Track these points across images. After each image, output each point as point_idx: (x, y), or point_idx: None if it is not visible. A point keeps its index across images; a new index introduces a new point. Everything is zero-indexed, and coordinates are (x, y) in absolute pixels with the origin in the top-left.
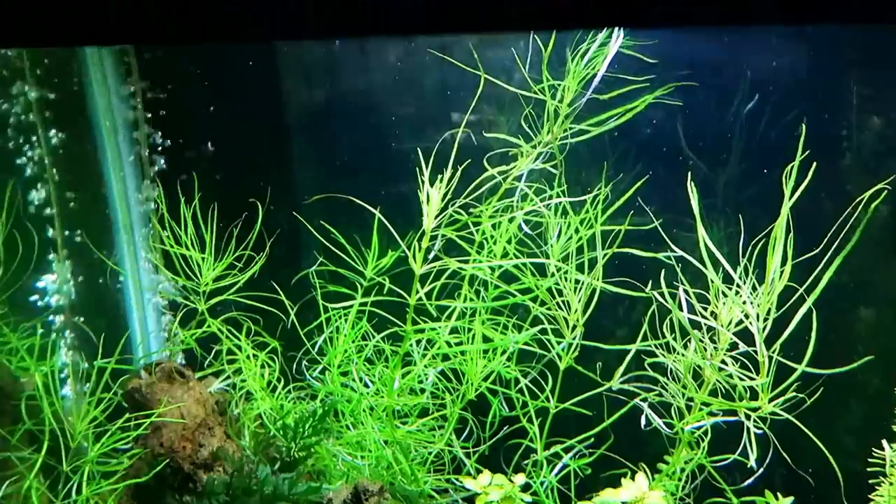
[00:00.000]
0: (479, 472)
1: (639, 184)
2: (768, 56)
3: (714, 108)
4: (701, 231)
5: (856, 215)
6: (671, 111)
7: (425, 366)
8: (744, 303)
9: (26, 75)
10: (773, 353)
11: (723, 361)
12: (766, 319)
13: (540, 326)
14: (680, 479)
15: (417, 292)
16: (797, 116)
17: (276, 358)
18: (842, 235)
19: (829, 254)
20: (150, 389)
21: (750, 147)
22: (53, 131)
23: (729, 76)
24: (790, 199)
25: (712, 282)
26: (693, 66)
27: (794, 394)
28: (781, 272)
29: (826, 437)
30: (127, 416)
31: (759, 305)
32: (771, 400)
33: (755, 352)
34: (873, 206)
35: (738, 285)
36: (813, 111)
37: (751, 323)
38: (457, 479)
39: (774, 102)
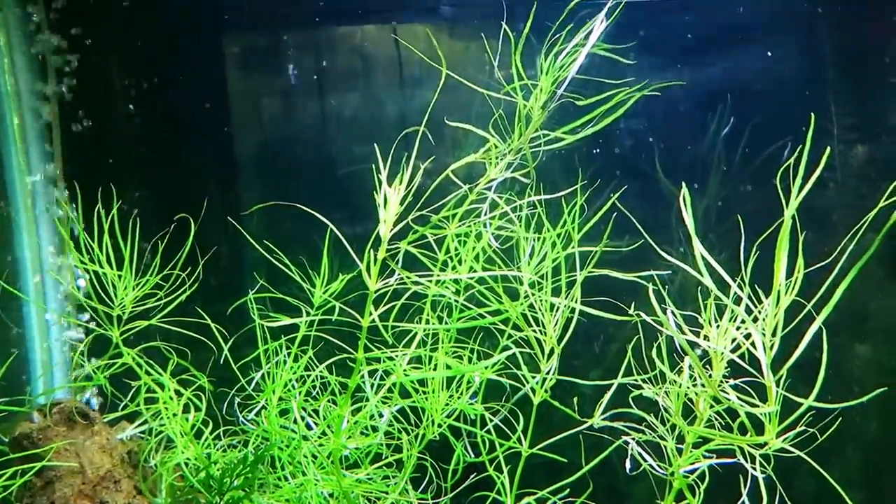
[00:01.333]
0: None
1: (614, 198)
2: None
3: (696, 118)
4: (697, 244)
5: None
6: (653, 121)
7: (380, 401)
8: (749, 319)
9: None
10: (780, 378)
11: (715, 395)
12: (773, 338)
13: (511, 351)
14: None
15: (371, 314)
16: (786, 123)
17: (203, 398)
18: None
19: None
20: (42, 435)
21: (734, 159)
22: None
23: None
24: (796, 198)
25: (705, 303)
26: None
27: (804, 428)
28: (788, 286)
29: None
30: (12, 468)
31: (764, 322)
32: (779, 434)
33: (753, 380)
34: None
35: (734, 304)
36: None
37: (752, 345)
38: None
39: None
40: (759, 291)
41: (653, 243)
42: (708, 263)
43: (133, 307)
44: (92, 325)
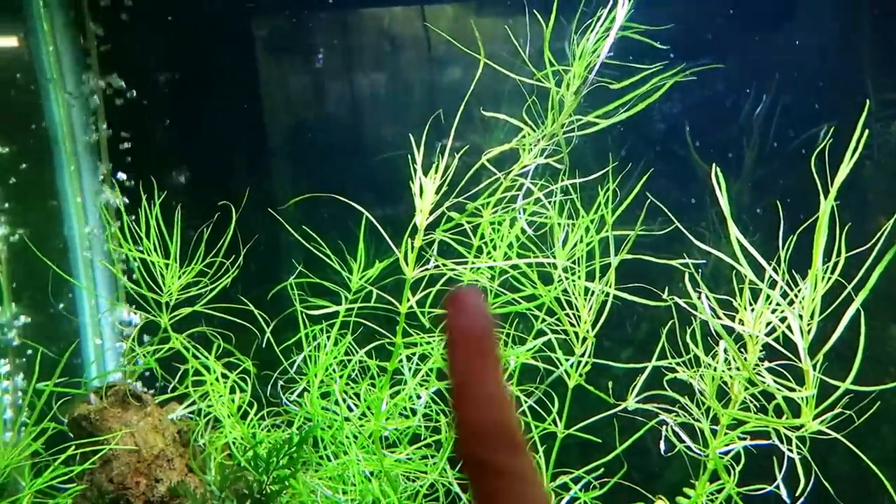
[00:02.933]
0: None
1: (643, 179)
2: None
3: (731, 100)
4: (732, 227)
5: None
6: (688, 104)
7: (418, 384)
8: (785, 302)
9: None
10: (817, 362)
11: (751, 378)
12: (810, 321)
13: (546, 337)
14: None
15: (409, 300)
16: (821, 102)
17: (248, 380)
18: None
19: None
20: (99, 416)
21: (769, 143)
22: None
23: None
24: (836, 180)
25: (740, 286)
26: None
27: (841, 410)
28: (826, 268)
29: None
30: (72, 446)
31: (802, 305)
32: (816, 417)
33: (787, 365)
34: None
35: (769, 287)
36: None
37: (789, 327)
38: None
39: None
40: (795, 274)
41: (682, 228)
42: (742, 246)
43: (179, 293)
44: (141, 312)
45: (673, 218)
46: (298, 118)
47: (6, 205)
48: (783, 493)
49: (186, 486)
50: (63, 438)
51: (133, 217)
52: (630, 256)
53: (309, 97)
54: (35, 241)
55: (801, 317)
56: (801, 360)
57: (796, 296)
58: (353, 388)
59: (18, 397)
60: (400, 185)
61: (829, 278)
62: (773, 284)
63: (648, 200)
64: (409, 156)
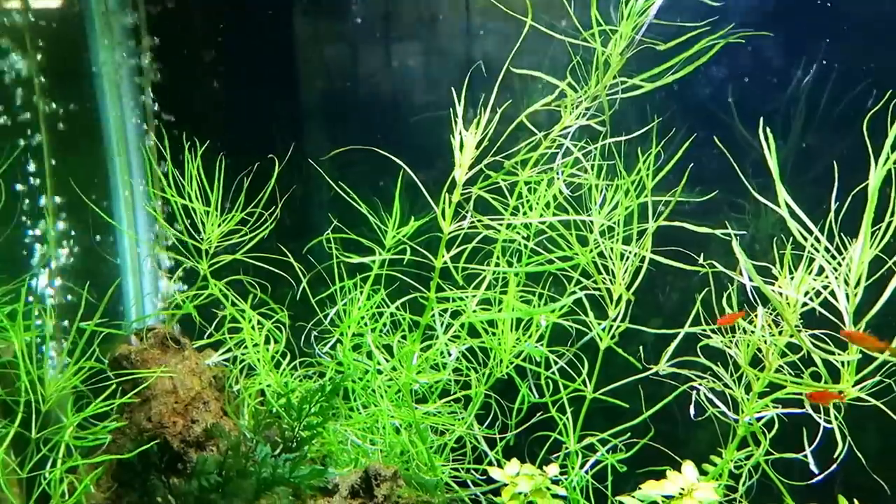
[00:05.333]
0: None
1: (685, 146)
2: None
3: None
4: (780, 190)
5: None
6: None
7: (449, 339)
8: (830, 268)
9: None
10: (859, 328)
11: (790, 343)
12: (856, 288)
13: (577, 295)
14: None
15: (444, 256)
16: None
17: (282, 330)
18: None
19: None
20: (140, 357)
21: (817, 111)
22: (46, 80)
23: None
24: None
25: (781, 252)
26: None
27: (881, 378)
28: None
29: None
30: (112, 385)
31: (849, 269)
32: (857, 383)
33: (824, 336)
34: None
35: (811, 254)
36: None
37: (832, 294)
38: (479, 470)
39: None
40: (840, 244)
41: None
42: (783, 214)
43: (218, 242)
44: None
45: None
46: (337, 76)
47: (53, 158)
48: (811, 463)
49: (221, 428)
50: (104, 380)
51: (175, 168)
52: (667, 223)
53: (346, 59)
54: (79, 185)
55: (846, 282)
56: (844, 326)
57: (839, 264)
58: (385, 340)
59: (62, 337)
60: (435, 145)
61: (880, 243)
62: (817, 245)
63: (689, 167)
64: (446, 116)
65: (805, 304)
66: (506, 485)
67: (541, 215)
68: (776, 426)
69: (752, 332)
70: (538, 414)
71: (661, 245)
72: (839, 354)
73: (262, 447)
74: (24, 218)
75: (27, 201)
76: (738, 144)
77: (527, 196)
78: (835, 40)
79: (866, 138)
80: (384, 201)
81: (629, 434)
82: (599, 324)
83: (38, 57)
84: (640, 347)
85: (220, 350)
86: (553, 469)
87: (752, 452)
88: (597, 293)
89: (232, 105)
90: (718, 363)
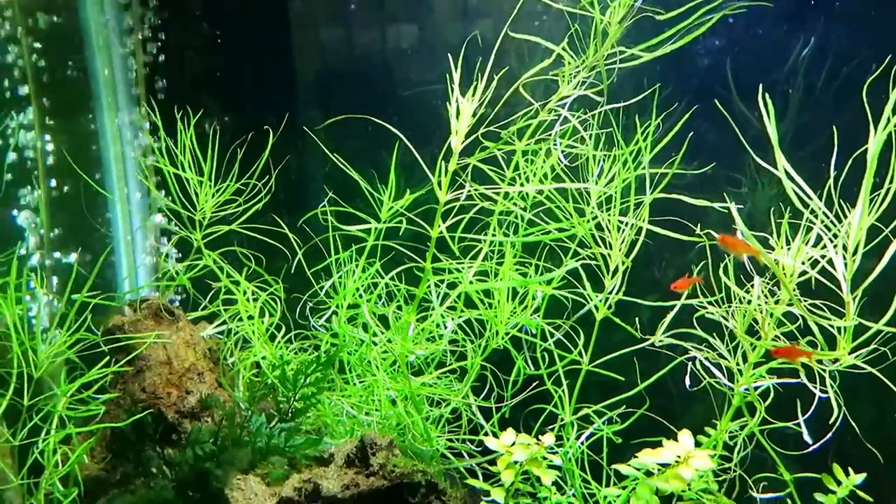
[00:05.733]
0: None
1: (683, 119)
2: None
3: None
4: (779, 157)
5: None
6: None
7: (445, 311)
8: (828, 236)
9: None
10: (856, 297)
11: (782, 316)
12: (854, 255)
13: (574, 264)
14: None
15: (440, 226)
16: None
17: (277, 302)
18: None
19: None
20: (133, 328)
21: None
22: (38, 43)
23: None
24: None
25: (779, 221)
26: None
27: (876, 346)
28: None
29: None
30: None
31: (847, 235)
32: (853, 351)
33: (821, 304)
34: None
35: (809, 225)
36: None
37: (830, 263)
38: (475, 441)
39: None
40: (836, 210)
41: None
42: (780, 176)
43: (213, 214)
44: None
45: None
46: (332, 52)
47: (47, 120)
48: (805, 433)
49: (216, 398)
50: (98, 351)
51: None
52: (664, 196)
53: (341, 33)
54: (71, 155)
55: (845, 247)
56: (841, 293)
57: (836, 234)
58: (380, 311)
59: (55, 307)
60: (430, 121)
61: (875, 214)
62: (814, 218)
63: (687, 141)
64: (442, 90)
65: (803, 274)
66: (501, 455)
67: (539, 183)
68: (771, 397)
69: (748, 301)
70: (534, 384)
71: (658, 216)
72: (835, 321)
73: (256, 417)
74: (14, 189)
75: (17, 172)
76: (737, 119)
77: (524, 166)
78: (834, 12)
79: (866, 105)
80: (380, 175)
81: (624, 406)
82: (596, 296)
83: (30, 21)
84: (637, 320)
85: (215, 323)
86: (549, 439)
87: (746, 423)
88: (593, 263)
89: (227, 76)
90: (714, 335)
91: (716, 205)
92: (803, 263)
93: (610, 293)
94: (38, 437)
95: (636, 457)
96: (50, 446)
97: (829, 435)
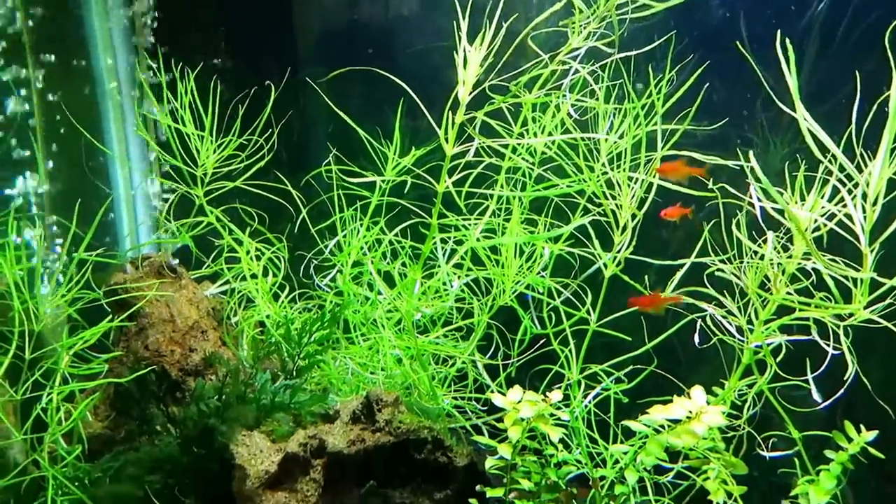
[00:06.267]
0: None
1: (696, 74)
2: None
3: None
4: (799, 106)
5: None
6: None
7: (452, 268)
8: (846, 188)
9: None
10: (874, 249)
11: (797, 273)
12: (874, 205)
13: (583, 220)
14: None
15: (446, 181)
16: None
17: (281, 262)
18: None
19: None
20: (135, 284)
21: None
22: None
23: None
24: None
25: (794, 174)
26: None
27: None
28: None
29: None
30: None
31: (867, 185)
32: (868, 306)
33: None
34: None
35: (828, 172)
36: None
37: (847, 215)
38: (481, 400)
39: None
40: (858, 160)
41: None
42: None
43: (216, 171)
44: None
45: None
46: (336, 9)
47: (40, 73)
48: (814, 391)
49: (220, 355)
50: (99, 310)
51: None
52: (674, 152)
53: None
54: (70, 111)
55: (864, 197)
56: (859, 245)
57: (855, 186)
58: (385, 268)
59: (55, 266)
60: (432, 84)
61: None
62: (829, 174)
63: (699, 98)
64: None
65: (815, 230)
66: (508, 412)
67: (549, 136)
68: (781, 354)
69: (762, 256)
70: (540, 343)
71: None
72: (851, 273)
73: (261, 375)
74: (12, 145)
75: (16, 128)
76: (751, 76)
77: (533, 118)
78: None
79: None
80: (385, 135)
81: (631, 366)
82: (605, 255)
83: None
84: (646, 278)
85: (218, 282)
86: (556, 395)
87: (755, 381)
88: (603, 220)
89: (228, 31)
90: (725, 293)
91: (728, 162)
92: (817, 221)
93: (619, 251)
94: (42, 394)
95: (646, 413)
96: (53, 403)
97: (841, 392)
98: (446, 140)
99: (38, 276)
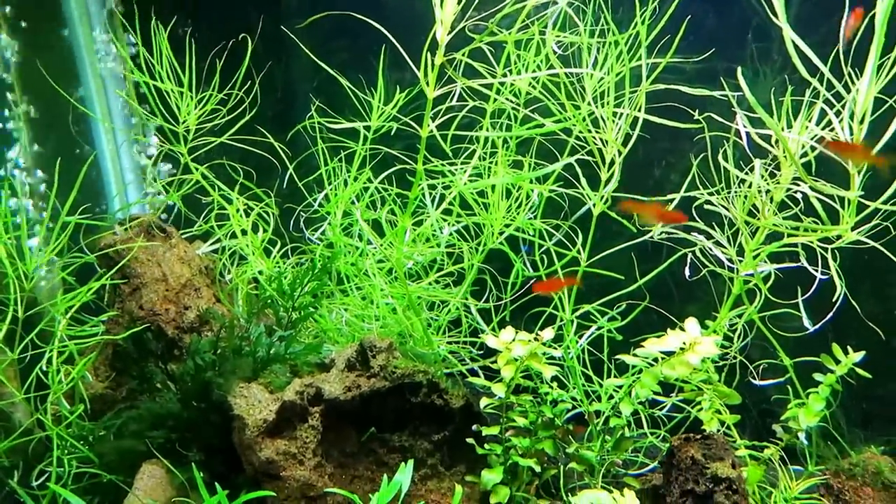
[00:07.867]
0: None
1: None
2: None
3: None
4: (787, 30)
5: None
6: None
7: (440, 215)
8: (834, 109)
9: None
10: (861, 169)
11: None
12: (861, 123)
13: (570, 159)
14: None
15: (429, 125)
16: None
17: (270, 216)
18: None
19: None
20: (125, 245)
21: None
22: None
23: None
24: None
25: (781, 99)
26: None
27: (879, 222)
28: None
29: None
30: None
31: (853, 103)
32: (855, 227)
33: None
34: None
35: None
36: None
37: (840, 130)
38: (475, 345)
39: None
40: (846, 80)
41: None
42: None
43: (199, 127)
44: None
45: None
46: None
47: (14, 37)
48: (804, 318)
49: (215, 311)
50: (92, 271)
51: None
52: (663, 87)
53: None
54: (49, 73)
55: (852, 116)
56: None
57: (844, 107)
58: (374, 216)
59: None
60: (412, 38)
61: (883, 80)
62: (817, 95)
63: (684, 26)
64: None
65: (804, 156)
66: (501, 352)
67: (531, 78)
68: (771, 281)
69: (750, 184)
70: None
71: (655, 111)
72: (840, 192)
73: (256, 328)
74: None
75: None
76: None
77: (516, 55)
78: None
79: None
80: (369, 88)
81: (624, 305)
82: (594, 194)
83: None
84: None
85: (210, 240)
86: (548, 333)
87: (745, 311)
88: (591, 159)
89: None
90: (714, 224)
91: (715, 93)
92: (804, 145)
93: (606, 188)
94: (42, 351)
95: (641, 346)
96: (53, 365)
97: (829, 315)
98: (427, 83)
99: (24, 230)
